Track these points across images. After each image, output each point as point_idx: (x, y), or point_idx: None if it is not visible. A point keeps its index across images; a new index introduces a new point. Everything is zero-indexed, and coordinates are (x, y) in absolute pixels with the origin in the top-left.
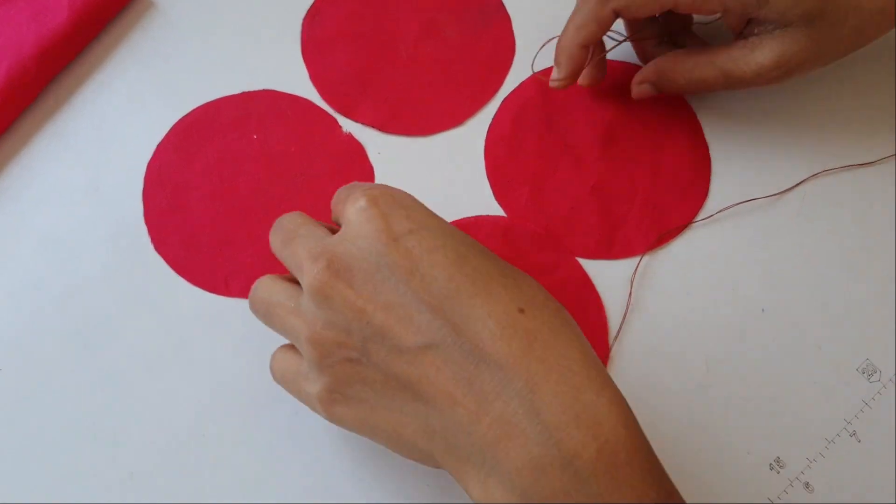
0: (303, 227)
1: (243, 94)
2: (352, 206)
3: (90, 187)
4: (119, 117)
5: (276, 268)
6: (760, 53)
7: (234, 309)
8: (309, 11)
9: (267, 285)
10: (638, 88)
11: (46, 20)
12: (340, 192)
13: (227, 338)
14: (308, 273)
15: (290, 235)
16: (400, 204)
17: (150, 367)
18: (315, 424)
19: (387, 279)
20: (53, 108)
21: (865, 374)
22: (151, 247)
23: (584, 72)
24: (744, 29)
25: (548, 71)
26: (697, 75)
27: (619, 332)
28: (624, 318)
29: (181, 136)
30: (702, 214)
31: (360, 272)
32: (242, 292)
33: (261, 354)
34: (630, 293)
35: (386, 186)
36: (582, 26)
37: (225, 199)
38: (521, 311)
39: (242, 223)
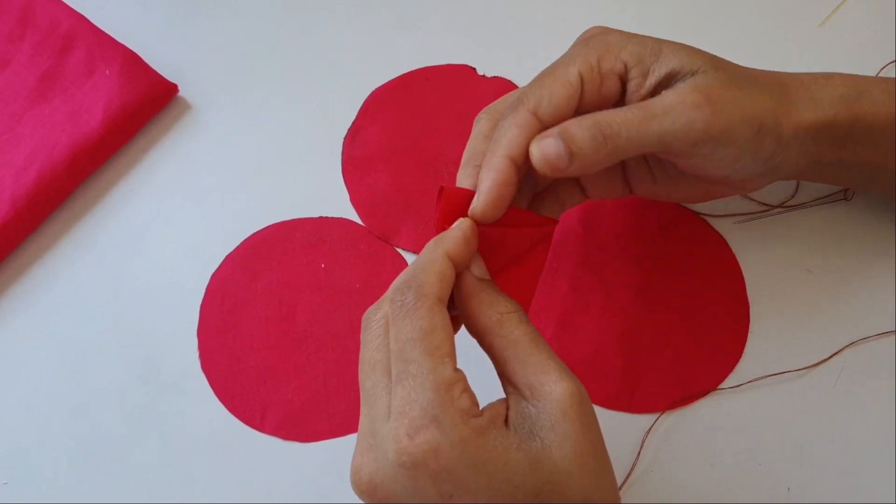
0: (414, 363)
1: (321, 218)
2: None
3: (110, 296)
4: (145, 226)
5: (317, 409)
6: (673, 91)
7: (264, 447)
8: (350, 130)
9: None
10: (537, 145)
11: (81, 122)
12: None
13: (250, 477)
14: (354, 464)
15: (398, 356)
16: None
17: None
18: None
19: None
20: (81, 212)
21: None
22: (177, 363)
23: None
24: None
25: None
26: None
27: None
28: (626, 478)
29: (252, 251)
30: (731, 380)
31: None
32: (276, 430)
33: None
34: (639, 453)
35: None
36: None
37: (280, 324)
38: None
39: (292, 353)
